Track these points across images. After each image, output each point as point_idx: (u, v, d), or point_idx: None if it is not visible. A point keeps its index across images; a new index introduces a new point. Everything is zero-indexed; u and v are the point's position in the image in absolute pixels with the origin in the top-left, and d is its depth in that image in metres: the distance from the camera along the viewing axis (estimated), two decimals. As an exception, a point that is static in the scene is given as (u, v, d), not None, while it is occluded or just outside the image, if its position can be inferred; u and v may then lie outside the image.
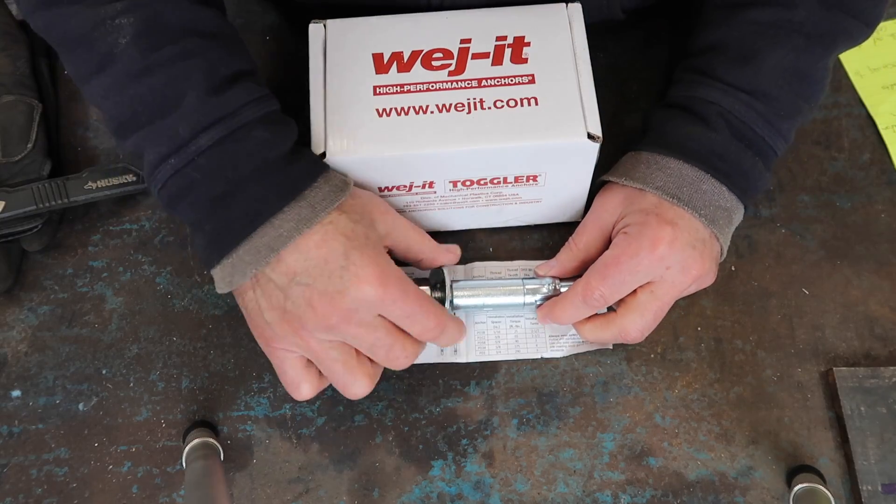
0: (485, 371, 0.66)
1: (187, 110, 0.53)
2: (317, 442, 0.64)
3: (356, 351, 0.57)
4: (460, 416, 0.64)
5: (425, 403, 0.65)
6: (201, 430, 0.62)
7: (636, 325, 0.60)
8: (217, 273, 0.56)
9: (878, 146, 0.73)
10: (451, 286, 0.62)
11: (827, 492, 0.58)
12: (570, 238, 0.64)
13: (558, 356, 0.66)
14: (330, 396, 0.65)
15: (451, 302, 0.62)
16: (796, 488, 0.60)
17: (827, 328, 0.67)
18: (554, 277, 0.64)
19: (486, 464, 0.63)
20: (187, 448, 0.61)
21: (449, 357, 0.66)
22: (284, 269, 0.54)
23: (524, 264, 0.69)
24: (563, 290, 0.64)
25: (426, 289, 0.62)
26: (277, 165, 0.54)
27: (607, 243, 0.62)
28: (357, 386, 0.57)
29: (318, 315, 0.54)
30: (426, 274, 0.63)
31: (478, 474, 0.63)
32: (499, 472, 0.63)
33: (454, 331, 0.59)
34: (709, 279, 0.62)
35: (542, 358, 0.66)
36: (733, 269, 0.69)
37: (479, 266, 0.68)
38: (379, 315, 0.55)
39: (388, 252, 0.59)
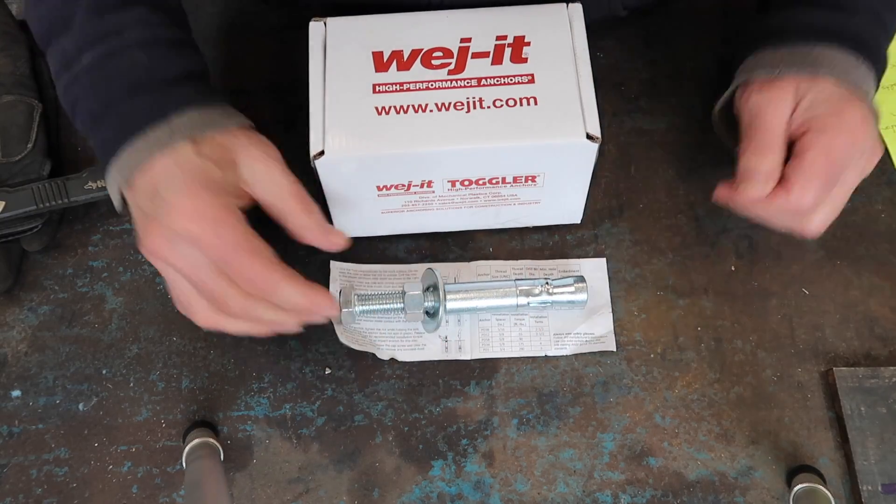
0: (485, 371, 0.66)
1: (75, 29, 0.55)
2: (317, 442, 0.64)
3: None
4: (460, 416, 0.64)
5: (425, 403, 0.65)
6: (201, 430, 0.62)
7: (825, 219, 0.59)
8: (109, 190, 0.57)
9: (878, 146, 0.73)
10: (443, 290, 0.62)
11: (827, 492, 0.58)
12: (754, 145, 0.58)
13: (562, 355, 0.66)
14: (330, 396, 0.65)
15: (444, 306, 0.63)
16: (796, 488, 0.60)
17: (827, 328, 0.67)
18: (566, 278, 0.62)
19: (486, 464, 0.63)
20: (187, 448, 0.61)
21: (454, 354, 0.66)
22: (133, 190, 0.55)
23: (529, 264, 0.69)
24: (556, 291, 0.64)
25: (418, 293, 0.62)
26: (150, 88, 0.55)
27: (787, 141, 0.58)
28: (197, 314, 0.56)
29: (146, 239, 0.54)
30: (422, 282, 0.64)
31: (478, 474, 0.63)
32: (499, 472, 0.63)
33: (293, 293, 0.54)
34: (880, 155, 0.59)
35: (543, 357, 0.66)
36: (733, 269, 0.69)
37: (483, 265, 0.69)
38: (204, 260, 0.53)
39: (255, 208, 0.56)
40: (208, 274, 0.53)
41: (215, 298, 0.54)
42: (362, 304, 0.63)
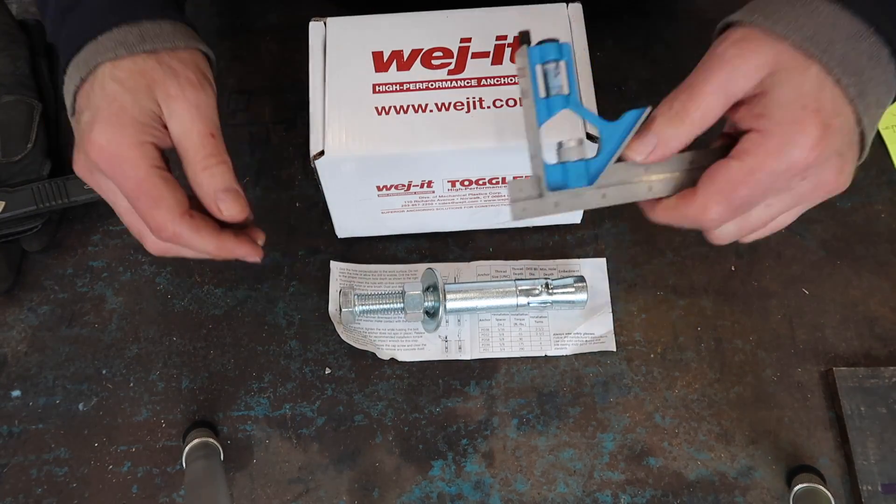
0: (485, 371, 0.66)
1: None
2: (317, 442, 0.64)
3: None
4: (460, 416, 0.64)
5: (425, 403, 0.65)
6: (201, 430, 0.62)
7: (730, 234, 0.50)
8: (65, 91, 0.54)
9: (878, 146, 0.73)
10: (443, 290, 0.63)
11: (827, 492, 0.58)
12: (677, 102, 0.48)
13: (562, 355, 0.66)
14: (330, 396, 0.65)
15: (444, 305, 0.63)
16: (796, 488, 0.60)
17: (827, 328, 0.67)
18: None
19: (486, 464, 0.63)
20: (187, 448, 0.61)
21: (454, 354, 0.66)
22: (80, 95, 0.52)
23: (529, 264, 0.69)
24: (556, 291, 0.64)
25: (417, 293, 0.63)
26: None
27: (724, 111, 0.48)
28: (143, 240, 0.53)
29: (76, 161, 0.52)
30: (419, 284, 0.64)
31: (478, 474, 0.63)
32: (499, 472, 0.63)
33: (196, 238, 0.51)
34: (842, 188, 0.48)
35: (543, 357, 0.66)
36: (733, 269, 0.69)
37: (482, 265, 0.69)
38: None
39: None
40: (126, 209, 0.52)
41: (133, 231, 0.53)
42: (362, 304, 0.64)
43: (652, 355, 0.66)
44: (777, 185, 0.47)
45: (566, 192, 0.49)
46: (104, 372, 0.66)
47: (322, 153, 0.58)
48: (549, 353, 0.66)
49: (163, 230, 0.50)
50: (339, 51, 0.62)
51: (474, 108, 0.59)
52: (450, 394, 0.65)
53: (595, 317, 0.67)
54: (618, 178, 0.49)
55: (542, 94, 0.48)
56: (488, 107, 0.59)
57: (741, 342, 0.66)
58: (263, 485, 0.62)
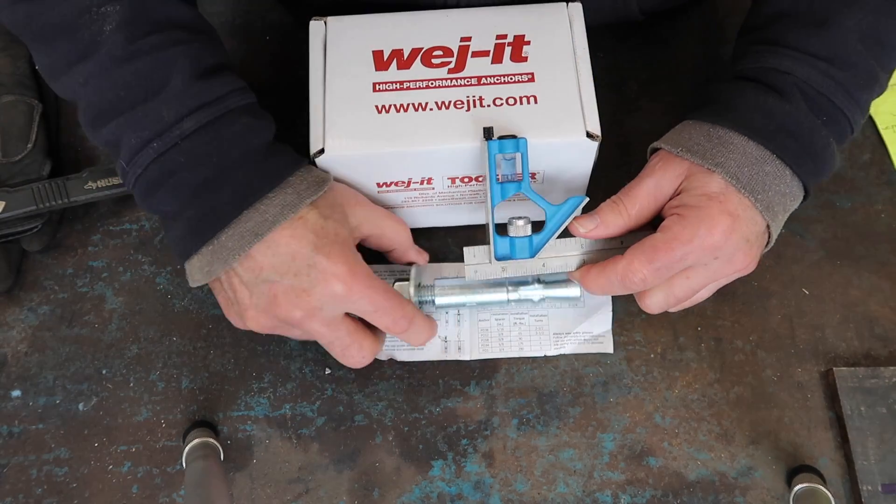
0: (485, 371, 0.66)
1: (172, 94, 0.53)
2: (317, 442, 0.64)
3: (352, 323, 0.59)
4: (460, 416, 0.64)
5: (425, 403, 0.65)
6: (201, 430, 0.62)
7: (659, 303, 0.58)
8: (195, 263, 0.55)
9: (878, 146, 0.73)
10: (434, 284, 0.63)
11: (827, 492, 0.58)
12: (619, 199, 0.59)
13: (561, 353, 0.66)
14: (330, 396, 0.65)
15: (433, 300, 0.63)
16: (796, 488, 0.60)
17: (827, 328, 0.67)
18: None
19: (486, 464, 0.63)
20: (187, 448, 0.61)
21: (453, 354, 0.66)
22: (251, 264, 0.54)
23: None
24: (548, 286, 0.64)
25: (407, 284, 0.63)
26: (263, 152, 0.55)
27: (656, 213, 0.59)
28: (356, 359, 0.59)
29: (282, 311, 0.55)
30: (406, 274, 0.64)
31: (478, 474, 0.63)
32: (499, 472, 0.63)
33: (423, 327, 0.60)
34: (750, 270, 0.59)
35: (543, 357, 0.66)
36: (733, 268, 0.69)
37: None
38: (343, 313, 0.57)
39: (360, 242, 0.61)
40: (346, 330, 0.57)
41: (349, 353, 0.59)
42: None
43: (652, 355, 0.66)
44: (691, 258, 0.55)
45: (512, 261, 0.59)
46: (104, 372, 0.66)
47: (322, 151, 0.58)
48: (549, 353, 0.66)
49: (402, 321, 0.58)
50: (339, 50, 0.62)
51: (474, 106, 0.59)
52: (450, 394, 0.65)
53: (594, 316, 0.67)
54: (556, 252, 0.59)
55: (498, 179, 0.58)
56: (488, 105, 0.59)
57: (741, 342, 0.66)
58: (263, 485, 0.62)
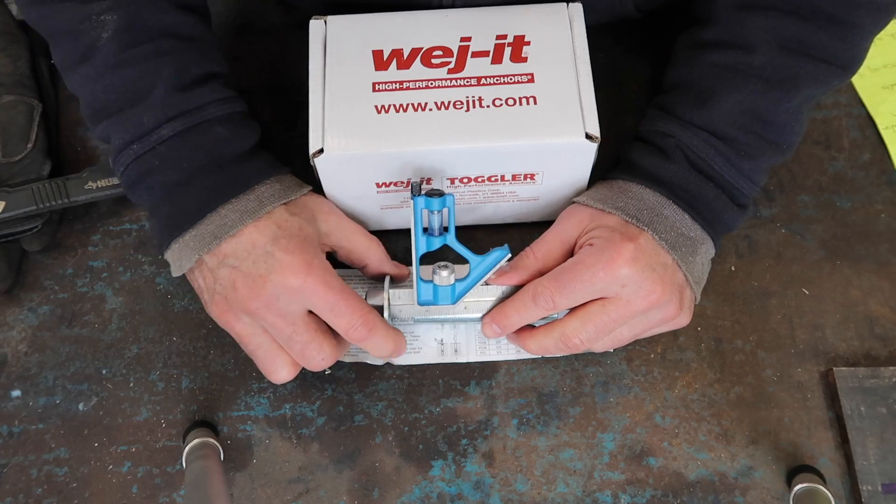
0: (485, 371, 0.66)
1: (154, 102, 0.57)
2: (317, 442, 0.64)
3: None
4: (460, 416, 0.64)
5: (425, 403, 0.65)
6: (201, 430, 0.62)
7: (577, 331, 0.59)
8: (169, 257, 0.59)
9: (878, 146, 0.73)
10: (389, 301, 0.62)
11: (827, 492, 0.58)
12: (529, 247, 0.62)
13: (559, 356, 0.66)
14: (330, 396, 0.65)
15: (413, 316, 0.62)
16: (796, 488, 0.60)
17: (827, 328, 0.67)
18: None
19: (486, 464, 0.63)
20: (187, 448, 0.61)
21: (450, 357, 0.66)
22: (217, 251, 0.57)
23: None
24: None
25: (381, 295, 0.62)
26: (233, 161, 0.58)
27: (566, 257, 0.61)
28: (278, 373, 0.59)
29: (239, 297, 0.56)
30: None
31: (478, 474, 0.63)
32: (499, 472, 0.63)
33: (385, 338, 0.58)
34: (676, 316, 0.60)
35: (542, 358, 0.66)
36: (733, 269, 0.69)
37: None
38: (303, 309, 0.57)
39: (329, 253, 0.62)
40: (306, 327, 0.57)
41: (307, 354, 0.58)
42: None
43: (652, 355, 0.66)
44: (598, 281, 0.57)
45: (434, 306, 0.61)
46: (104, 372, 0.66)
47: (321, 151, 0.58)
48: (547, 355, 0.66)
49: (360, 328, 0.57)
50: (339, 49, 0.62)
51: (474, 107, 0.59)
52: (450, 394, 0.65)
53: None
54: (477, 297, 0.61)
55: (423, 230, 0.59)
56: (488, 106, 0.59)
57: (741, 342, 0.66)
58: (263, 485, 0.62)
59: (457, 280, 0.60)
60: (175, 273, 0.59)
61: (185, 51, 0.59)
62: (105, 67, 0.57)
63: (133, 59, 0.57)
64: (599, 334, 0.59)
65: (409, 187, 0.58)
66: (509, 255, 0.60)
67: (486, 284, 0.61)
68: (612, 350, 0.63)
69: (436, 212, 0.58)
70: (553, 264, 0.61)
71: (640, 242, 0.58)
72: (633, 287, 0.57)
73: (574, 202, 0.64)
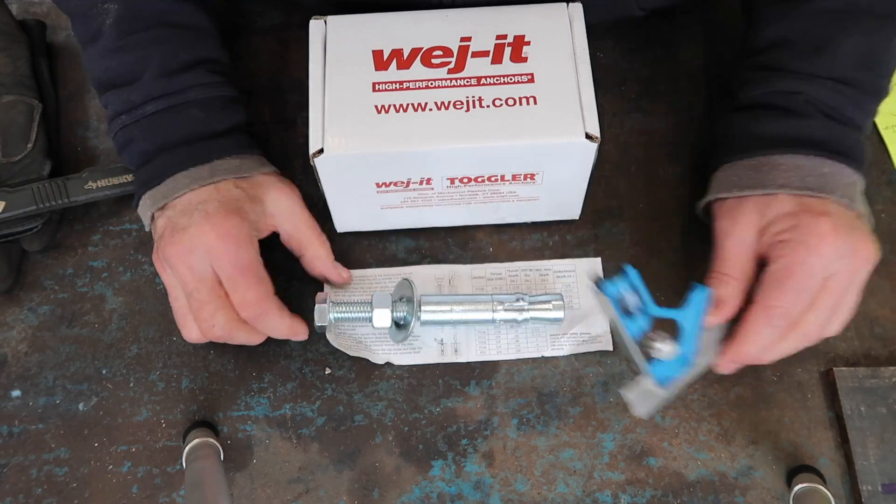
0: (485, 371, 0.66)
1: (143, 84, 0.63)
2: (317, 442, 0.64)
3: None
4: (460, 416, 0.64)
5: (425, 403, 0.65)
6: (201, 430, 0.62)
7: (819, 323, 0.58)
8: (139, 212, 0.65)
9: (878, 146, 0.73)
10: (419, 302, 0.62)
11: (827, 492, 0.58)
12: (716, 271, 0.61)
13: (559, 355, 0.66)
14: (330, 396, 0.65)
15: (419, 317, 0.62)
16: (796, 488, 0.60)
17: (827, 328, 0.67)
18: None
19: (486, 464, 0.63)
20: (187, 448, 0.61)
21: (450, 357, 0.66)
22: (167, 208, 0.62)
23: (525, 265, 0.68)
24: (533, 308, 0.64)
25: (385, 311, 0.62)
26: (201, 138, 0.63)
27: (757, 260, 0.60)
28: (185, 330, 0.62)
29: (163, 244, 0.61)
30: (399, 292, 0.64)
31: (478, 474, 0.63)
32: (499, 472, 0.63)
33: (277, 322, 0.61)
34: (876, 254, 0.60)
35: (542, 357, 0.66)
36: (733, 268, 0.69)
37: (478, 268, 0.68)
38: (212, 272, 0.60)
39: (276, 236, 0.65)
40: (209, 289, 0.60)
41: (201, 315, 0.60)
42: (335, 311, 0.63)
43: (652, 355, 0.66)
44: (817, 272, 0.57)
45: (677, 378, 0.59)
46: (104, 372, 0.66)
47: (321, 151, 0.58)
48: (546, 354, 0.66)
49: (252, 306, 0.60)
50: (339, 49, 0.62)
51: (473, 107, 0.59)
52: (450, 394, 0.65)
53: (592, 316, 0.66)
54: (700, 347, 0.59)
55: (626, 315, 0.58)
56: (487, 106, 0.59)
57: (741, 342, 0.66)
58: (263, 485, 0.62)
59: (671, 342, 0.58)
60: (146, 228, 0.64)
61: (176, 38, 0.64)
62: (106, 51, 0.64)
63: (129, 46, 0.63)
64: (835, 315, 0.59)
65: (595, 284, 0.57)
66: (711, 290, 0.59)
67: (706, 329, 0.60)
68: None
69: (629, 293, 0.58)
70: (752, 274, 0.60)
71: (829, 210, 0.58)
72: (849, 255, 0.57)
73: (718, 198, 0.62)
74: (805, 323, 0.58)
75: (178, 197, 0.61)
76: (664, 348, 0.57)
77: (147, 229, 0.65)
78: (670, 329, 0.58)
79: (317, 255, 0.65)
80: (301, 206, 0.65)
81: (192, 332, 0.62)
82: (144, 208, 0.63)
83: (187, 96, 0.63)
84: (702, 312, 0.59)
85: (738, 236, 0.60)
